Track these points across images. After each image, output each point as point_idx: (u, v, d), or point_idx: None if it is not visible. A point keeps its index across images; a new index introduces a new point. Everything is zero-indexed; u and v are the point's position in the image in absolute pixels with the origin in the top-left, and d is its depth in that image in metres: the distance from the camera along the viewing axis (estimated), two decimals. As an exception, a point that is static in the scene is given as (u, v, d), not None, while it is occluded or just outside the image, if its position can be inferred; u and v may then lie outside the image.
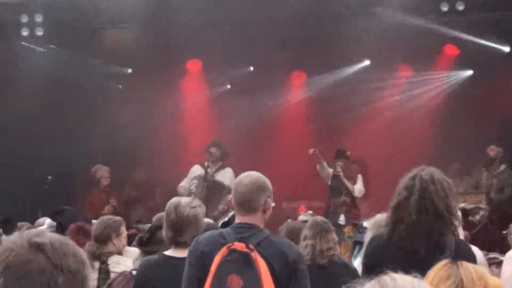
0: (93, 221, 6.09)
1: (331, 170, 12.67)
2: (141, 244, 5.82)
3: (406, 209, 4.42)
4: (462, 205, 10.72)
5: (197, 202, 5.31)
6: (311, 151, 12.41)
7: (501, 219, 11.92)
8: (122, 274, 5.46)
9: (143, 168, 14.63)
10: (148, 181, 14.62)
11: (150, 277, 5.04)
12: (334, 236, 6.88)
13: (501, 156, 12.76)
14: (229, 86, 15.16)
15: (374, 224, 5.97)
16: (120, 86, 14.82)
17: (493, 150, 12.67)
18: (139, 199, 14.11)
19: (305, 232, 6.87)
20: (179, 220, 5.08)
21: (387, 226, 4.52)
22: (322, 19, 12.79)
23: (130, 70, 14.73)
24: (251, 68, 14.94)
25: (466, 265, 3.11)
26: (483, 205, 11.83)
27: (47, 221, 7.46)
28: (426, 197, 4.42)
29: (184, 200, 5.25)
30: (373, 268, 4.26)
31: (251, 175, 4.66)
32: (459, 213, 5.19)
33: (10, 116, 13.04)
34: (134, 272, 5.26)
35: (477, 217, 11.32)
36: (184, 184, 12.76)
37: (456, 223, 4.50)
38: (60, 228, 6.91)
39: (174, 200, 5.25)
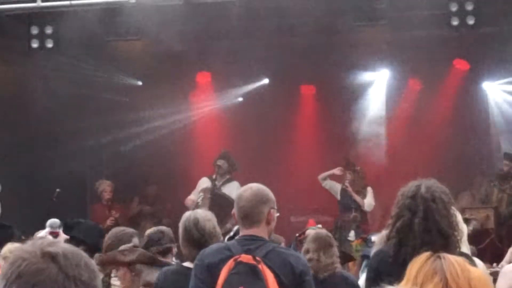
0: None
1: (339, 185, 12.59)
2: None
3: (411, 231, 4.45)
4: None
5: (209, 213, 5.34)
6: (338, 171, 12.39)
7: (509, 234, 11.90)
8: None
9: (153, 182, 14.59)
10: (159, 196, 14.56)
11: (169, 286, 5.07)
12: (336, 250, 6.88)
13: None
14: (240, 99, 15.12)
15: (380, 239, 5.98)
16: (127, 100, 14.80)
17: (507, 166, 12.65)
18: (151, 214, 14.01)
19: (308, 245, 6.82)
20: (202, 236, 5.10)
21: (392, 246, 4.54)
22: (331, 30, 12.71)
23: (140, 83, 14.76)
24: (267, 81, 14.83)
25: (448, 257, 2.88)
26: (471, 216, 11.78)
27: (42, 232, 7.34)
28: (429, 217, 4.45)
29: (200, 214, 5.24)
30: (377, 283, 4.28)
31: (251, 188, 4.63)
32: (465, 227, 5.21)
33: (20, 130, 13.07)
34: None
35: (470, 227, 11.26)
36: (191, 197, 12.62)
37: (459, 237, 4.51)
38: (75, 243, 6.67)
39: (190, 216, 5.22)
